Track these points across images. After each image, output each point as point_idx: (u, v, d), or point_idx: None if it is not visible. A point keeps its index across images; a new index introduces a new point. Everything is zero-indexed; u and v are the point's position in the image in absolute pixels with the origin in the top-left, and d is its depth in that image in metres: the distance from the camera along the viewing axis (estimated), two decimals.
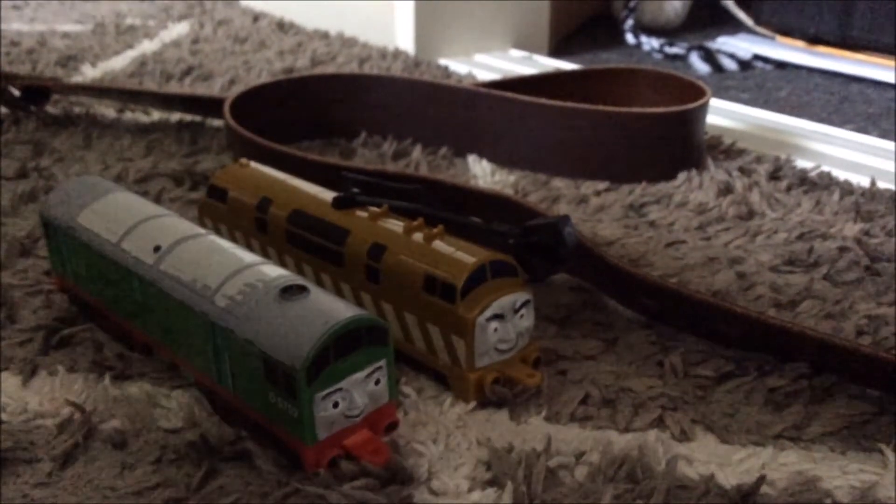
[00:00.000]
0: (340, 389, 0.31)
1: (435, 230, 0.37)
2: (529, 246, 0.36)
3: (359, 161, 0.61)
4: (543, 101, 0.57)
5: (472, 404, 0.35)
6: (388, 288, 0.37)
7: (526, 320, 0.36)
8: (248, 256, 0.35)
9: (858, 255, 0.46)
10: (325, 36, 1.01)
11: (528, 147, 0.59)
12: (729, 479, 0.31)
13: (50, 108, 0.72)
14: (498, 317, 0.34)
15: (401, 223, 0.38)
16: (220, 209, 0.44)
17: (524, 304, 0.35)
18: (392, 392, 0.33)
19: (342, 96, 0.65)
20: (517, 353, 0.36)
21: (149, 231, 0.37)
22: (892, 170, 0.58)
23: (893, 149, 0.62)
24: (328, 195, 0.41)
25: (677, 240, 0.49)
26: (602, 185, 0.56)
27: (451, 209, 0.42)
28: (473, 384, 0.35)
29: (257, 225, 0.42)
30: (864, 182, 0.55)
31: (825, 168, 0.57)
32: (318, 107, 0.66)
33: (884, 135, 0.68)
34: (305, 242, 0.40)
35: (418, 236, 0.37)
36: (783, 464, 0.32)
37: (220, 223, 0.44)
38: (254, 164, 0.45)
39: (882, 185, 0.54)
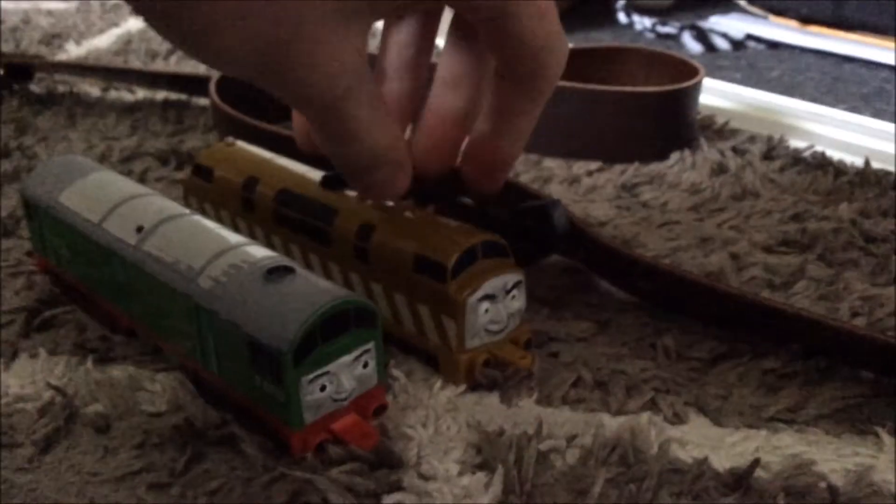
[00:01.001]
0: (328, 373, 0.30)
1: (425, 210, 0.36)
2: (519, 230, 0.35)
3: None
4: None
5: (463, 387, 0.35)
6: (377, 268, 0.36)
7: (517, 301, 0.35)
8: (234, 237, 0.34)
9: (853, 235, 0.45)
10: None
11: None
12: (722, 462, 0.31)
13: (33, 87, 0.71)
14: (489, 297, 0.34)
15: (390, 202, 0.37)
16: (205, 188, 0.43)
17: (516, 284, 0.35)
18: (381, 375, 0.32)
19: None
20: (508, 334, 0.35)
21: (131, 211, 0.36)
22: (886, 150, 0.58)
23: (887, 129, 0.61)
24: (316, 174, 0.40)
25: (670, 220, 0.48)
26: (594, 166, 0.55)
27: (441, 190, 0.42)
28: (464, 365, 0.34)
29: (244, 204, 0.41)
30: (858, 162, 0.54)
31: (819, 148, 0.57)
32: None
33: (877, 115, 0.68)
34: (293, 222, 0.39)
35: (408, 216, 0.36)
36: (777, 447, 0.31)
37: (206, 203, 0.44)
38: (240, 143, 0.44)
39: (876, 165, 0.54)
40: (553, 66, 0.31)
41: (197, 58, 0.27)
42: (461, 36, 0.33)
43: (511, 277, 0.35)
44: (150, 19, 0.27)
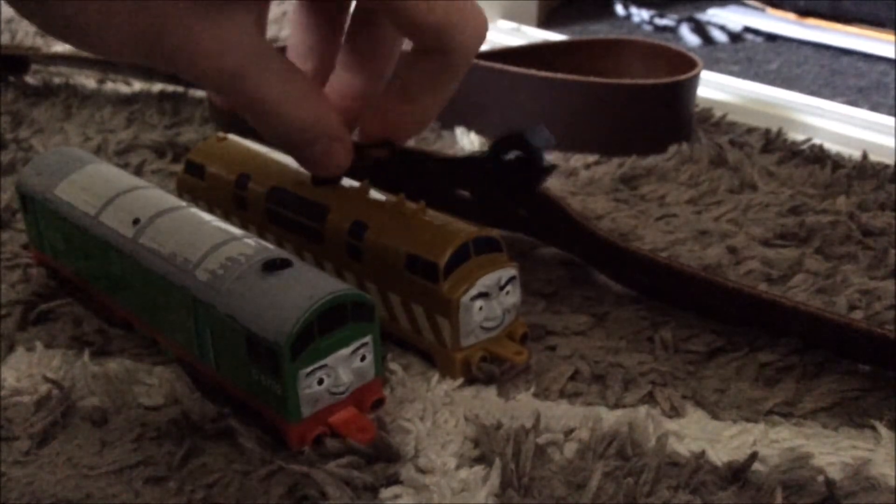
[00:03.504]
0: (325, 366, 0.30)
1: (417, 206, 0.36)
2: (505, 166, 0.34)
3: None
4: (532, 72, 0.56)
5: (460, 381, 0.34)
6: (370, 267, 0.36)
7: (512, 297, 0.35)
8: (231, 230, 0.34)
9: (851, 228, 0.45)
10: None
11: (516, 119, 0.58)
12: (720, 455, 0.31)
13: (29, 79, 0.70)
14: (483, 295, 0.34)
15: (383, 198, 0.37)
16: (198, 186, 0.43)
17: (510, 280, 0.35)
18: (378, 368, 0.32)
19: None
20: (504, 329, 0.35)
21: (128, 203, 0.36)
22: (884, 143, 0.57)
23: (885, 122, 0.61)
24: None
25: (668, 213, 0.48)
26: (592, 158, 0.55)
27: (437, 181, 0.41)
28: (460, 364, 0.34)
29: (236, 202, 0.41)
30: (856, 155, 0.54)
31: (817, 141, 0.57)
32: None
33: (875, 108, 0.68)
34: (285, 220, 0.39)
35: (400, 213, 0.36)
36: (774, 440, 0.31)
37: (199, 200, 0.43)
38: (231, 137, 0.44)
39: (874, 158, 0.54)
40: (460, 43, 0.31)
41: (89, 52, 0.29)
42: (360, 18, 0.34)
43: (505, 273, 0.34)
44: (30, 19, 0.28)
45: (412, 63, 0.32)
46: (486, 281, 0.34)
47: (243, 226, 0.41)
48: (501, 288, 0.34)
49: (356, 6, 0.34)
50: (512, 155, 0.34)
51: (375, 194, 0.37)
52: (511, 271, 0.35)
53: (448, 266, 0.33)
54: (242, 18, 0.29)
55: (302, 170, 0.40)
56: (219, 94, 0.31)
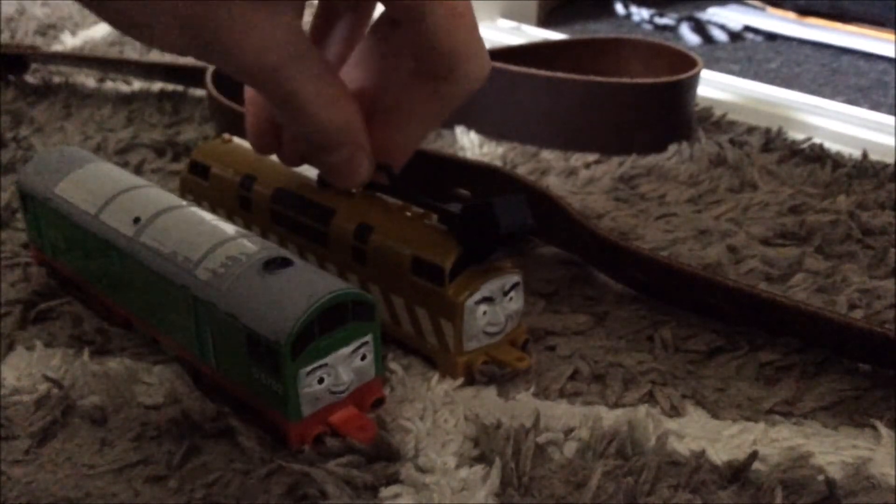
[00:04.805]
0: (325, 365, 0.30)
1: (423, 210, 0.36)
2: (466, 227, 0.34)
3: None
4: (532, 71, 0.56)
5: (460, 380, 0.34)
6: (374, 269, 0.36)
7: (515, 303, 0.35)
8: (231, 229, 0.34)
9: (851, 227, 0.45)
10: (312, 5, 1.00)
11: (516, 118, 0.58)
12: (720, 454, 0.31)
13: (29, 78, 0.70)
14: (487, 300, 0.34)
15: (388, 202, 0.37)
16: (202, 186, 0.43)
17: (514, 286, 0.35)
18: (378, 368, 0.32)
19: None
20: (506, 335, 0.35)
21: (128, 202, 0.36)
22: (884, 142, 0.57)
23: (885, 121, 0.61)
24: (313, 172, 0.40)
25: (668, 212, 0.48)
26: (592, 157, 0.55)
27: (438, 182, 0.41)
28: (462, 368, 0.34)
29: (241, 203, 0.41)
30: (856, 154, 0.54)
31: (817, 140, 0.57)
32: None
33: (875, 107, 0.68)
34: (290, 222, 0.39)
35: (406, 216, 0.36)
36: (775, 439, 0.31)
37: (203, 200, 0.43)
38: (236, 140, 0.44)
39: (874, 157, 0.54)
40: (467, 72, 0.32)
41: (144, 43, 0.30)
42: (382, 23, 0.35)
43: (509, 279, 0.34)
44: (98, 14, 0.29)
45: (411, 87, 0.33)
46: (490, 286, 0.34)
47: (247, 227, 0.41)
48: (505, 294, 0.34)
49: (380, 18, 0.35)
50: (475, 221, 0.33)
51: (381, 197, 0.37)
52: (515, 278, 0.35)
53: (453, 269, 0.33)
54: (287, 14, 0.30)
55: (307, 171, 0.40)
56: (254, 87, 0.31)
